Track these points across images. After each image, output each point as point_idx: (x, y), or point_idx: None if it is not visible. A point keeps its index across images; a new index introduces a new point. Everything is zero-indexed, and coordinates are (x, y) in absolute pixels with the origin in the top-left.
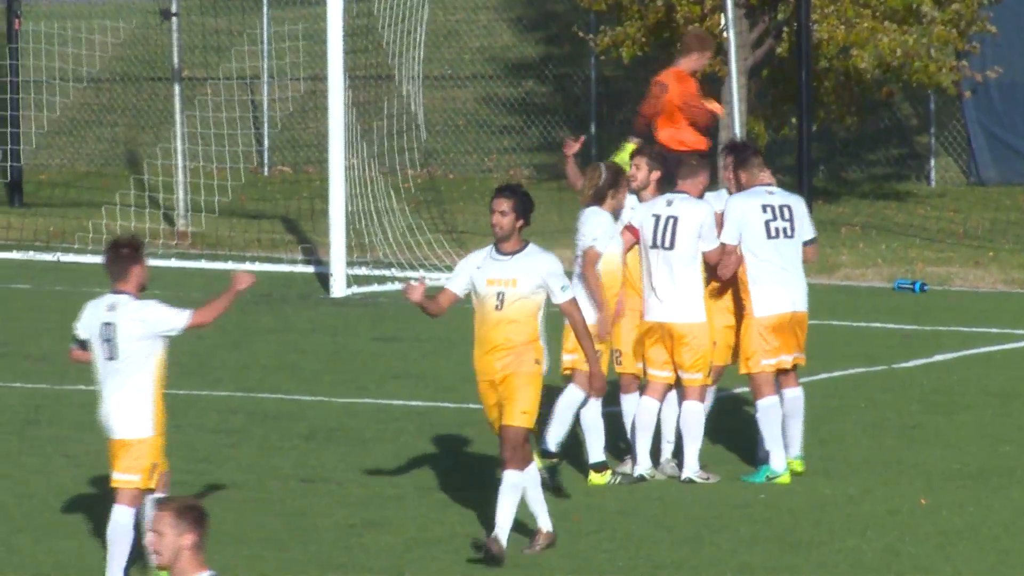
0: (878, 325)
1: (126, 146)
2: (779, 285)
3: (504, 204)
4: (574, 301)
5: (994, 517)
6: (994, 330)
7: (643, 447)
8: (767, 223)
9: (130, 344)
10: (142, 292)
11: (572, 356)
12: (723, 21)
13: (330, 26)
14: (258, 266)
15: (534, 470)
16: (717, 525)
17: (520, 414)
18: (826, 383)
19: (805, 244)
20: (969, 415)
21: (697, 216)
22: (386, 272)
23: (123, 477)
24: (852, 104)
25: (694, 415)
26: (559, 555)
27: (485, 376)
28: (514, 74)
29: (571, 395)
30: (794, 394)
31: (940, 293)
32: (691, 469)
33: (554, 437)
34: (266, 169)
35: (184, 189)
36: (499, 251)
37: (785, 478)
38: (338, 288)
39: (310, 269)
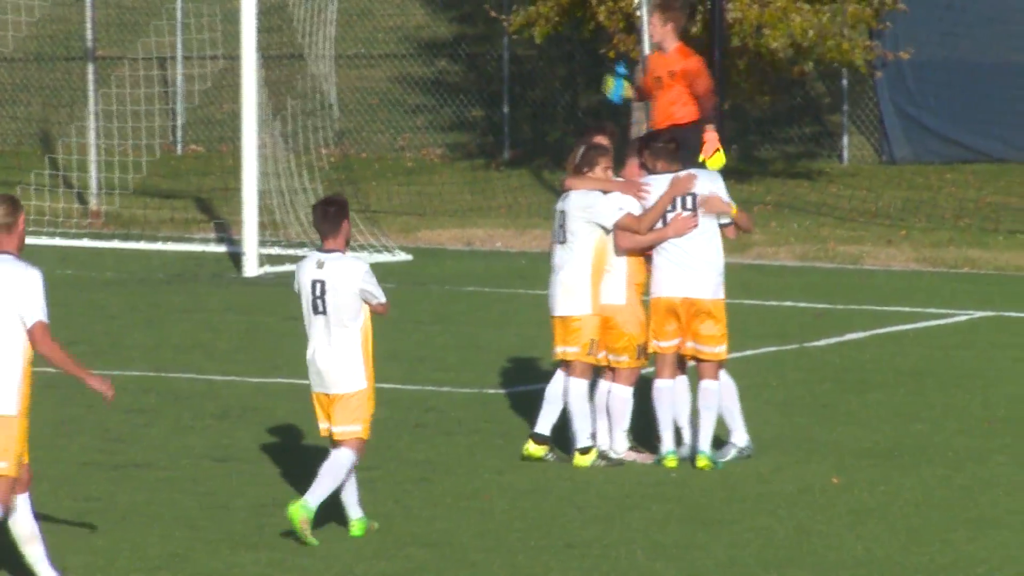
0: (790, 304)
1: (40, 125)
2: (676, 270)
3: None
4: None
5: (905, 496)
6: (906, 309)
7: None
8: (665, 215)
9: (339, 301)
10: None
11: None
12: (637, 0)
13: (243, 5)
14: (170, 246)
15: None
16: (628, 504)
17: None
18: (738, 362)
19: (724, 226)
20: (881, 393)
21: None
22: (298, 251)
23: (346, 429)
24: (765, 83)
25: (620, 399)
26: (470, 534)
27: None
28: (427, 53)
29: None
30: (707, 386)
31: (852, 272)
32: (615, 452)
33: (583, 432)
34: (179, 148)
35: (97, 168)
36: None
37: (670, 460)
38: (250, 267)
39: (222, 248)
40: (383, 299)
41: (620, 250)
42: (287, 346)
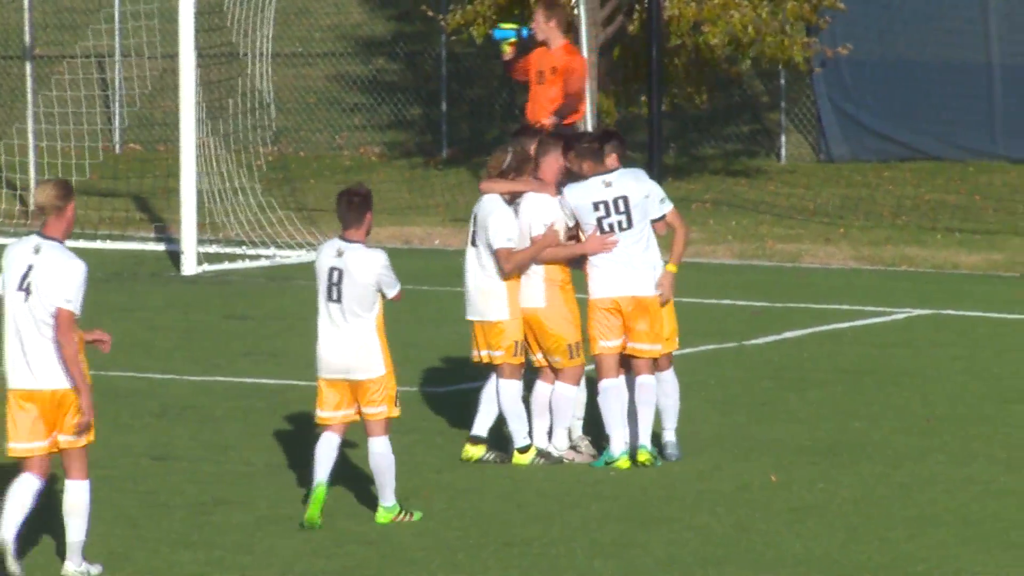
0: (728, 302)
1: None
2: (617, 270)
3: None
4: None
5: (844, 493)
6: (844, 307)
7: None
8: (600, 220)
9: (355, 290)
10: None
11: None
12: None
13: (181, 4)
14: (109, 244)
15: None
16: (568, 502)
17: None
18: (676, 360)
19: (655, 221)
20: (819, 391)
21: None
22: (237, 250)
23: (375, 411)
24: (703, 81)
25: (562, 398)
26: (409, 532)
27: None
28: (365, 52)
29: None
30: (643, 381)
31: (791, 270)
32: (556, 449)
33: (519, 432)
34: (118, 147)
35: (36, 168)
36: None
37: (623, 462)
38: (189, 266)
39: (161, 247)
40: (396, 291)
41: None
42: (226, 344)
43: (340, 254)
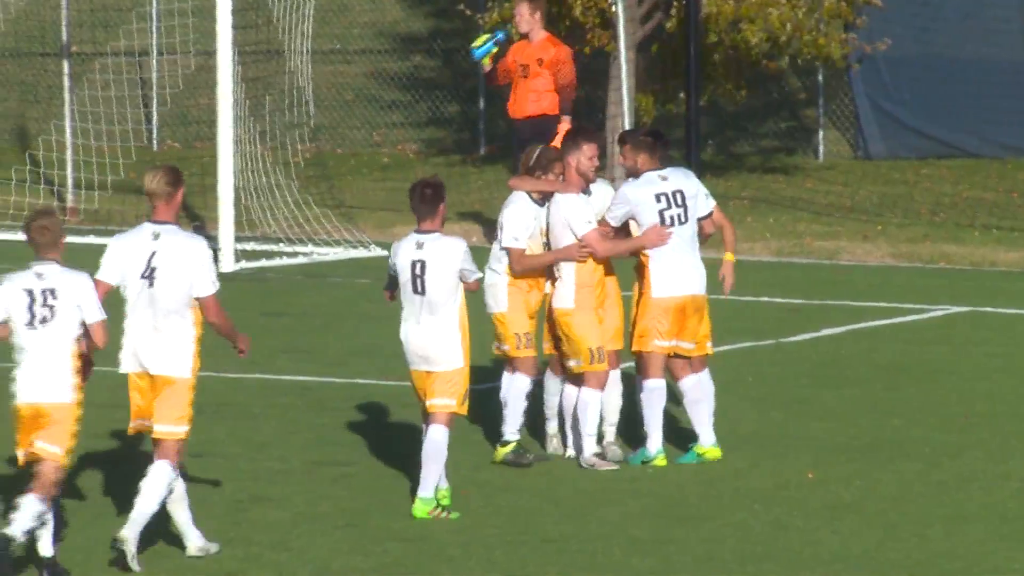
0: (766, 299)
1: (16, 122)
2: (676, 268)
3: None
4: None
5: (881, 491)
6: (882, 304)
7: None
8: (662, 212)
9: (439, 280)
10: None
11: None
12: None
13: (219, 1)
14: None
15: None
16: (604, 499)
17: None
18: (713, 357)
19: (701, 219)
20: (857, 389)
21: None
22: (274, 247)
23: (441, 402)
24: (740, 78)
25: (581, 403)
26: (446, 530)
27: None
28: (403, 49)
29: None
30: (688, 383)
31: (828, 267)
32: (584, 461)
33: (510, 426)
34: (155, 145)
35: (73, 165)
36: None
37: (660, 460)
38: (226, 263)
39: None
40: (478, 276)
41: (599, 254)
42: (263, 341)
43: (420, 246)
